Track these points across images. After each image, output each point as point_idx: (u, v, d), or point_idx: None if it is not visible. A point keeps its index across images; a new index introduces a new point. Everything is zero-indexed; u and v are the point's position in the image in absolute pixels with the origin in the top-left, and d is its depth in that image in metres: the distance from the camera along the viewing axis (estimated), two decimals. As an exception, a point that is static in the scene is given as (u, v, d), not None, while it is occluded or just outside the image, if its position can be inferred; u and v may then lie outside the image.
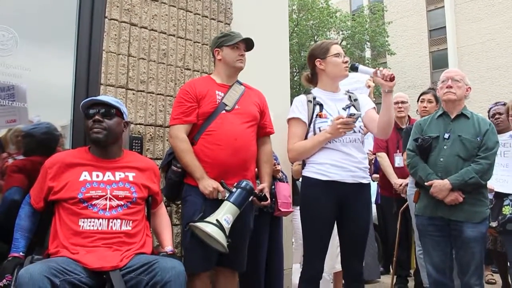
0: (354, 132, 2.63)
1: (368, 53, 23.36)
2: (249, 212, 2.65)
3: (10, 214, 2.26)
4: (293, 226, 4.04)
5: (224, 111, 2.63)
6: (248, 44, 2.77)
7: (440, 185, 2.81)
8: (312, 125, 2.66)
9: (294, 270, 3.97)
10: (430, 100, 4.09)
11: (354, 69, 2.65)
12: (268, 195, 2.74)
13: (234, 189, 2.49)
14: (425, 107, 4.07)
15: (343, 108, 2.67)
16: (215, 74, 2.79)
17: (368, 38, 21.72)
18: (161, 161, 2.85)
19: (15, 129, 2.67)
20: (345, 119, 2.51)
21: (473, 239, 2.77)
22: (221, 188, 2.52)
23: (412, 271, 4.65)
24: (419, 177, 2.95)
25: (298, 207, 3.99)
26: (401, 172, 4.22)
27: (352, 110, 2.63)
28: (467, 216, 2.79)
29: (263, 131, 2.85)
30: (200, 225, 2.35)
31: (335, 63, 2.72)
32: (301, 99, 2.75)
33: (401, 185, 4.13)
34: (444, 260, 2.89)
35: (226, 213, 2.41)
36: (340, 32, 21.33)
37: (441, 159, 2.89)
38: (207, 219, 2.39)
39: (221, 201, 2.48)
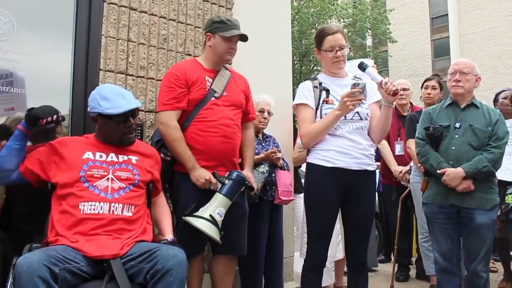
0: (361, 119, 2.59)
1: (369, 41, 23.19)
2: (241, 195, 2.64)
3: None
4: (294, 214, 4.03)
5: (213, 98, 2.61)
6: (242, 37, 2.70)
7: (453, 173, 2.82)
8: (319, 111, 2.62)
9: (296, 258, 3.96)
10: (434, 87, 4.05)
11: (361, 69, 2.57)
12: (253, 184, 2.75)
13: (226, 181, 2.49)
14: (429, 94, 4.04)
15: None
16: (203, 58, 2.73)
17: (370, 26, 21.52)
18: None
19: (16, 117, 2.63)
20: (349, 91, 2.44)
21: (484, 226, 2.81)
22: (213, 180, 2.51)
23: (413, 259, 4.64)
24: (430, 165, 2.95)
25: (300, 195, 4.01)
26: (401, 160, 4.19)
27: (356, 80, 2.51)
28: (478, 203, 2.82)
29: (246, 117, 2.85)
30: (195, 222, 2.37)
31: (326, 58, 2.68)
32: (307, 84, 2.71)
33: (401, 172, 4.10)
34: (452, 248, 2.91)
35: (218, 206, 2.43)
36: (341, 20, 21.11)
37: (453, 148, 2.90)
38: (200, 212, 2.41)
39: (213, 190, 2.50)
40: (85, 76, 2.76)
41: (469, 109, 2.97)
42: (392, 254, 5.18)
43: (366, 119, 2.63)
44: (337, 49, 2.62)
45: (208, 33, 2.69)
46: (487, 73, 20.03)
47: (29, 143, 2.61)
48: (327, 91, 2.62)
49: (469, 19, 22.30)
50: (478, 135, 2.87)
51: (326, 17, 20.65)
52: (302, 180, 4.60)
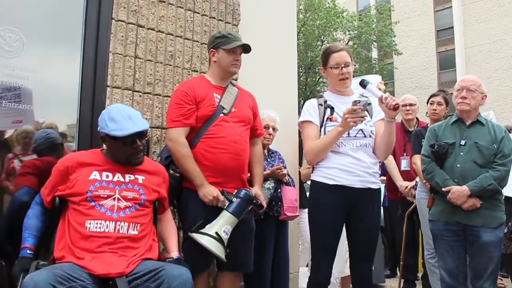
0: (365, 136, 2.60)
1: (374, 53, 23.26)
2: (248, 212, 2.64)
3: (19, 215, 2.25)
4: (300, 229, 4.02)
5: (222, 114, 2.62)
6: (245, 48, 2.73)
7: (458, 191, 2.81)
8: (323, 129, 2.63)
9: (301, 273, 3.95)
10: (440, 103, 4.04)
11: (362, 86, 2.59)
12: (263, 202, 2.75)
13: (234, 199, 2.50)
14: (435, 110, 4.03)
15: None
16: (210, 75, 2.75)
17: (375, 38, 21.61)
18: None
19: (22, 130, 2.67)
20: (351, 108, 2.45)
21: (490, 244, 2.79)
22: (221, 197, 2.51)
23: (419, 275, 4.60)
24: (435, 183, 2.95)
25: (305, 210, 4.00)
26: (407, 175, 4.18)
27: (358, 97, 2.52)
28: (484, 221, 2.81)
29: (254, 133, 2.85)
30: (200, 238, 2.37)
31: (332, 75, 2.70)
32: (312, 102, 2.73)
33: (406, 187, 4.09)
34: (459, 266, 2.89)
35: (225, 224, 2.43)
36: (347, 32, 21.24)
37: (458, 165, 2.89)
38: (207, 229, 2.41)
39: (221, 207, 2.50)
40: (93, 92, 2.78)
41: (475, 126, 2.97)
42: (397, 269, 5.16)
43: (370, 136, 2.64)
44: (343, 66, 2.64)
45: (211, 50, 2.71)
46: (493, 86, 20.02)
47: (34, 156, 2.67)
48: (332, 108, 2.64)
49: (474, 31, 22.33)
50: (483, 153, 2.86)
51: (332, 30, 20.78)
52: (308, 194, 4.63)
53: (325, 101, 2.68)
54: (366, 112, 2.52)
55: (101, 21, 2.85)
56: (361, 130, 2.60)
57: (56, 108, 2.86)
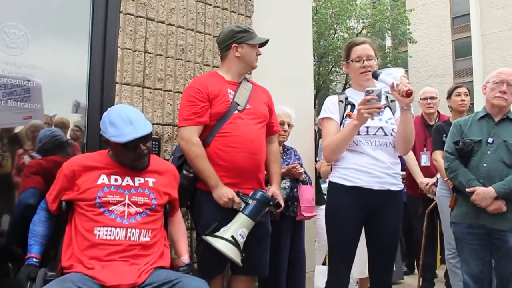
0: (385, 135, 2.46)
1: (389, 42, 22.89)
2: (265, 214, 2.54)
3: (25, 218, 2.18)
4: (315, 227, 3.91)
5: (236, 111, 2.51)
6: (263, 42, 2.66)
7: (483, 192, 2.65)
8: (341, 126, 2.50)
9: (317, 272, 3.84)
10: (466, 93, 3.90)
11: (375, 77, 2.42)
12: (281, 201, 2.65)
13: (250, 201, 2.39)
14: (463, 101, 3.86)
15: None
16: (224, 71, 2.63)
17: (389, 26, 21.23)
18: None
19: (31, 125, 2.60)
20: (363, 98, 2.28)
21: None
22: (236, 199, 2.40)
23: (438, 272, 4.48)
24: (459, 183, 2.78)
25: (321, 207, 3.89)
26: (427, 171, 4.03)
27: (371, 87, 2.34)
28: (511, 225, 2.63)
29: (270, 130, 2.73)
30: (215, 242, 2.28)
31: (354, 69, 2.58)
32: (333, 99, 2.61)
33: (427, 184, 3.95)
34: (483, 270, 2.73)
35: (241, 227, 2.33)
36: (360, 21, 20.89)
37: (484, 165, 2.72)
38: (222, 232, 2.31)
39: (236, 210, 2.40)
40: (101, 89, 2.68)
41: (504, 123, 2.78)
42: (415, 265, 5.04)
43: (391, 135, 2.49)
44: (364, 59, 2.51)
45: (234, 44, 2.58)
46: (511, 74, 19.52)
47: (39, 156, 2.59)
48: (353, 105, 2.50)
49: (491, 18, 21.82)
50: None
51: (345, 18, 20.48)
52: (324, 191, 4.51)
53: (346, 98, 2.56)
54: (388, 108, 2.37)
55: (109, 15, 2.73)
56: (381, 128, 2.46)
57: (64, 107, 2.76)
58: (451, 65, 23.32)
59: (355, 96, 2.55)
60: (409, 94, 2.23)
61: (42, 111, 2.63)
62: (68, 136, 2.78)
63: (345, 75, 21.71)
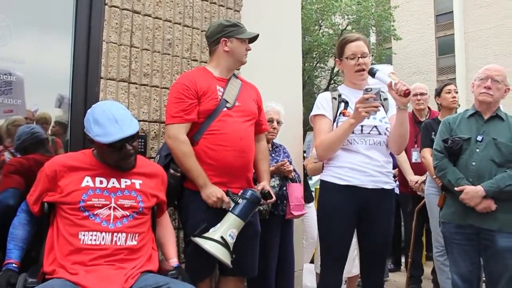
0: (379, 134, 2.42)
1: (373, 38, 22.96)
2: (254, 214, 2.48)
3: (5, 220, 2.07)
4: (303, 224, 3.86)
5: (225, 109, 2.44)
6: (252, 37, 2.59)
7: (472, 191, 2.61)
8: (335, 124, 2.45)
9: (305, 271, 3.81)
10: (456, 91, 3.91)
11: (371, 74, 2.39)
12: (272, 192, 2.59)
13: (239, 200, 2.33)
14: (455, 97, 3.87)
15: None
16: (213, 66, 2.55)
17: (374, 23, 21.28)
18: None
19: (13, 119, 2.51)
20: (362, 97, 2.25)
21: (506, 250, 2.57)
22: (226, 198, 2.34)
23: (426, 269, 4.49)
24: (448, 181, 2.74)
25: (309, 204, 3.85)
26: (418, 168, 4.01)
27: (369, 85, 2.33)
28: (500, 225, 2.59)
29: (259, 128, 2.67)
30: (204, 243, 2.21)
31: (348, 67, 2.53)
32: (326, 95, 2.55)
33: (417, 182, 3.93)
34: (472, 270, 2.71)
35: (230, 227, 2.26)
36: (345, 17, 20.90)
37: (473, 163, 2.68)
38: (211, 233, 2.24)
39: (226, 209, 2.34)
40: (85, 85, 2.58)
41: (493, 121, 2.74)
42: (401, 262, 5.05)
43: (385, 134, 2.45)
44: (359, 56, 2.46)
45: (223, 38, 2.50)
46: (493, 72, 19.77)
47: (18, 154, 2.48)
48: (346, 103, 2.45)
49: (474, 16, 22.03)
50: (501, 150, 2.63)
51: (330, 14, 20.47)
52: (312, 189, 4.47)
53: (340, 95, 2.51)
54: (381, 107, 2.33)
55: (93, 7, 2.63)
56: (375, 127, 2.42)
57: (47, 102, 2.66)
58: (435, 62, 23.50)
59: (348, 93, 2.51)
60: (407, 93, 2.21)
61: (24, 106, 2.54)
62: (49, 132, 2.68)
63: (329, 71, 21.76)
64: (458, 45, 22.47)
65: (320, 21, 20.83)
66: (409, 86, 2.24)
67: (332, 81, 21.70)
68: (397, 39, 21.44)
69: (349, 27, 20.54)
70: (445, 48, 23.15)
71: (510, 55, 19.83)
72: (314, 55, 20.94)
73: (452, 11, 22.83)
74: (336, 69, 21.40)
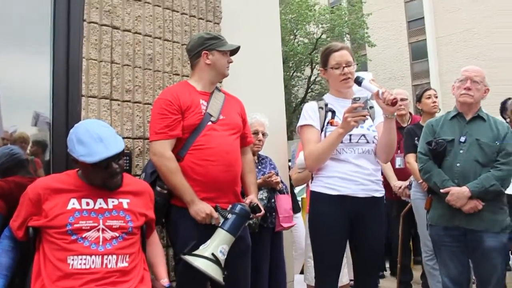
0: (367, 142, 2.42)
1: (348, 46, 23.31)
2: (244, 228, 2.43)
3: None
4: (293, 235, 3.83)
5: (210, 123, 2.40)
6: (234, 50, 2.57)
7: (458, 192, 2.62)
8: (323, 133, 2.44)
9: (296, 282, 3.78)
10: (436, 95, 3.93)
11: (358, 83, 2.39)
12: (260, 206, 2.56)
13: (229, 215, 2.28)
14: (435, 102, 3.90)
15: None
16: (195, 80, 2.52)
17: (348, 31, 21.64)
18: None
19: None
20: (350, 106, 2.24)
21: (493, 250, 2.59)
22: (215, 214, 2.29)
23: (415, 273, 4.49)
24: (433, 183, 2.75)
25: (297, 215, 3.82)
26: (402, 173, 4.03)
27: (358, 94, 2.33)
28: (486, 225, 2.61)
29: (244, 141, 2.64)
30: (194, 261, 2.15)
31: (333, 76, 2.51)
32: (312, 105, 2.54)
33: (400, 187, 3.95)
34: (462, 272, 2.71)
35: (221, 244, 2.21)
36: (320, 25, 21.17)
37: (458, 164, 2.70)
38: (201, 250, 2.18)
39: (215, 225, 2.29)
40: (66, 103, 2.51)
41: (475, 121, 2.77)
42: (389, 268, 5.05)
43: (373, 142, 2.46)
44: (344, 65, 2.46)
45: (205, 51, 2.47)
46: (465, 75, 20.21)
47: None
48: (333, 112, 2.44)
49: (445, 21, 22.58)
50: (485, 150, 2.66)
51: (304, 23, 20.71)
52: (298, 198, 4.44)
53: (326, 104, 2.50)
54: (368, 115, 2.33)
55: (72, 23, 2.57)
56: (364, 135, 2.42)
57: (26, 122, 2.57)
58: (409, 67, 23.96)
59: (334, 102, 2.50)
60: (394, 102, 2.22)
61: (1, 126, 2.45)
62: (28, 152, 2.59)
63: (306, 80, 21.94)
64: (431, 50, 23.00)
65: (295, 31, 21.06)
66: (396, 95, 2.26)
67: (310, 90, 21.87)
68: (371, 46, 21.81)
69: (323, 36, 20.78)
70: (418, 53, 23.64)
71: (479, 57, 20.33)
72: (291, 65, 21.11)
73: (423, 17, 23.38)
74: (312, 78, 21.61)
